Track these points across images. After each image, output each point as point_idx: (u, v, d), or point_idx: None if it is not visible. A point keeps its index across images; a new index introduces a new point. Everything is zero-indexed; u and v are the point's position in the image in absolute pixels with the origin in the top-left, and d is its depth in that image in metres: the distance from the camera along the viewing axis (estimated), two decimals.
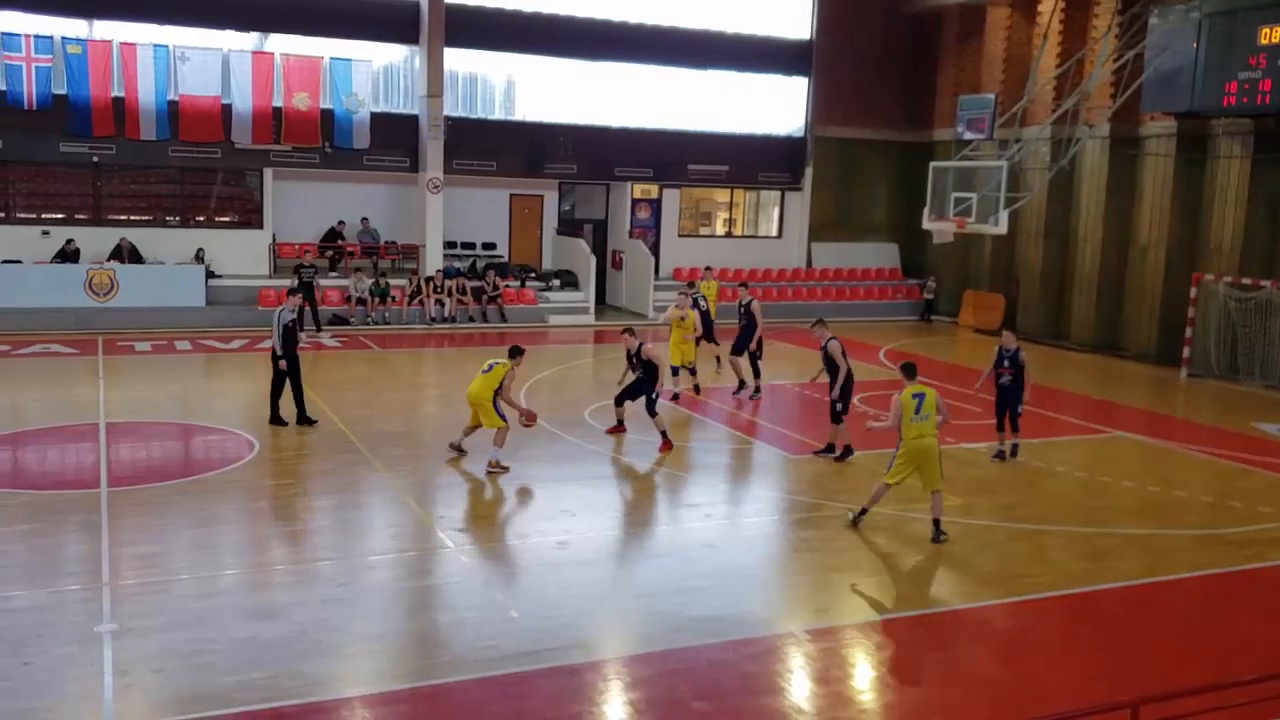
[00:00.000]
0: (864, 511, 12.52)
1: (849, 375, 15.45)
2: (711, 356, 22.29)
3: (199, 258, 27.41)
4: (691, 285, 20.13)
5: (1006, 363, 15.88)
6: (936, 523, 12.29)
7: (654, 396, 15.85)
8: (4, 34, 25.64)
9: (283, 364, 16.47)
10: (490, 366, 14.79)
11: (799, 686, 8.74)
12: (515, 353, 14.96)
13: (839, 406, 15.37)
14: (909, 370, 12.61)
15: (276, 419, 16.65)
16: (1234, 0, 22.87)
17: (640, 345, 16.00)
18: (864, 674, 9.00)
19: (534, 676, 8.58)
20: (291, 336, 16.60)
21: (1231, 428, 19.34)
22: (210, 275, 27.18)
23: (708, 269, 25.59)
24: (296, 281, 25.94)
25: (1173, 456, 17.14)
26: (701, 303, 20.71)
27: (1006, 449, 16.08)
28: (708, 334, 21.28)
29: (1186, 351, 24.65)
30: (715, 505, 13.79)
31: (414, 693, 8.32)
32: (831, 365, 15.51)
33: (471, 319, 28.63)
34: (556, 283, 31.02)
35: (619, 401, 16.38)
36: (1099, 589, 11.02)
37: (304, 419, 16.73)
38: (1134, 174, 27.78)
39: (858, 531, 12.40)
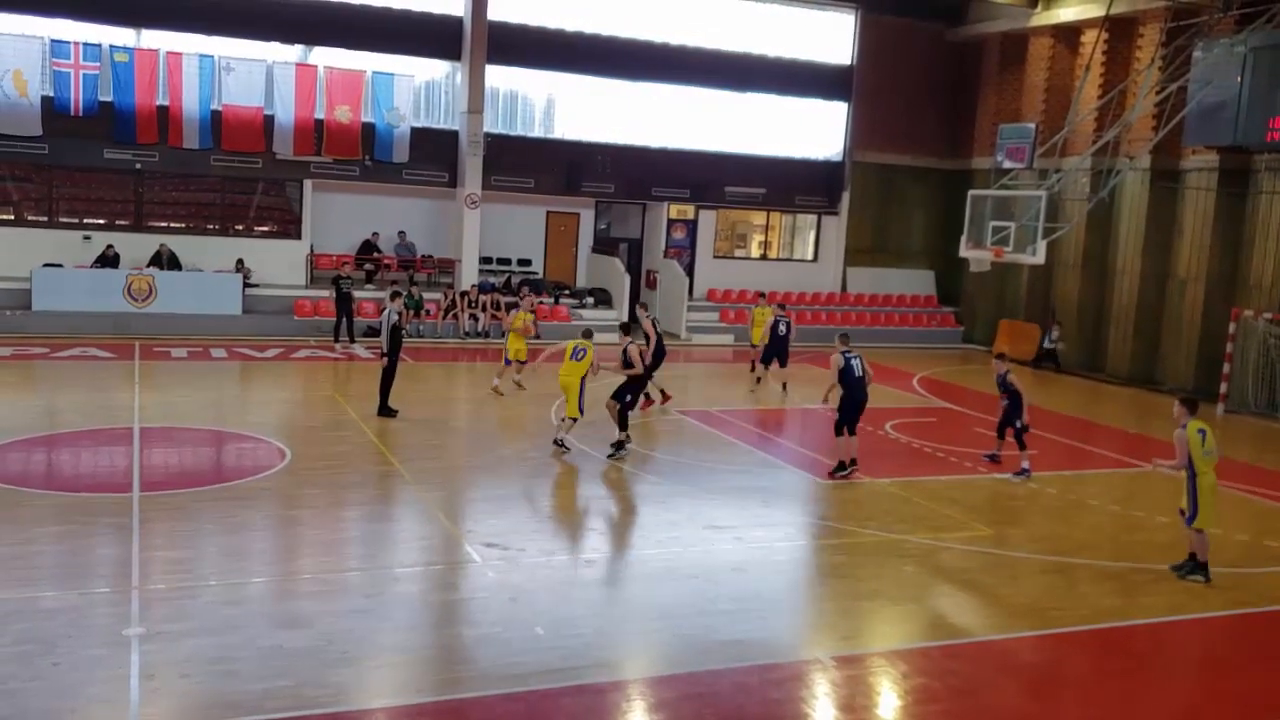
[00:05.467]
0: (1204, 565, 12.23)
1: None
2: (778, 380, 23.24)
3: (239, 267, 27.63)
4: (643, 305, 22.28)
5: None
6: (1204, 565, 12.23)
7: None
8: (54, 41, 26.04)
9: (388, 361, 18.05)
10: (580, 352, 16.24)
11: (824, 714, 8.66)
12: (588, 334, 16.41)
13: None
14: (1192, 405, 12.42)
15: (386, 410, 18.15)
16: None
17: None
18: (889, 703, 8.91)
19: (558, 694, 8.56)
20: (397, 336, 18.25)
21: (1268, 465, 19.11)
22: (248, 284, 27.40)
23: (761, 294, 25.93)
24: (335, 293, 26.13)
25: None
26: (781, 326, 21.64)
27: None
28: (780, 358, 22.73)
29: (1224, 387, 24.40)
30: (744, 528, 13.71)
31: (438, 706, 8.31)
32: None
33: (504, 334, 28.62)
34: (590, 300, 31.07)
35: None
36: (1131, 624, 10.89)
37: (385, 410, 18.19)
38: (1174, 207, 27.59)
39: (887, 558, 12.34)
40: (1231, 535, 14.32)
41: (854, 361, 15.76)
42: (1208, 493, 11.99)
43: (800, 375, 24.46)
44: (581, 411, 16.27)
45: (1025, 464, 16.60)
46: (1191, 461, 11.97)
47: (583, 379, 16.14)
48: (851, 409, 15.77)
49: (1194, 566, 12.25)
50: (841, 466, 15.88)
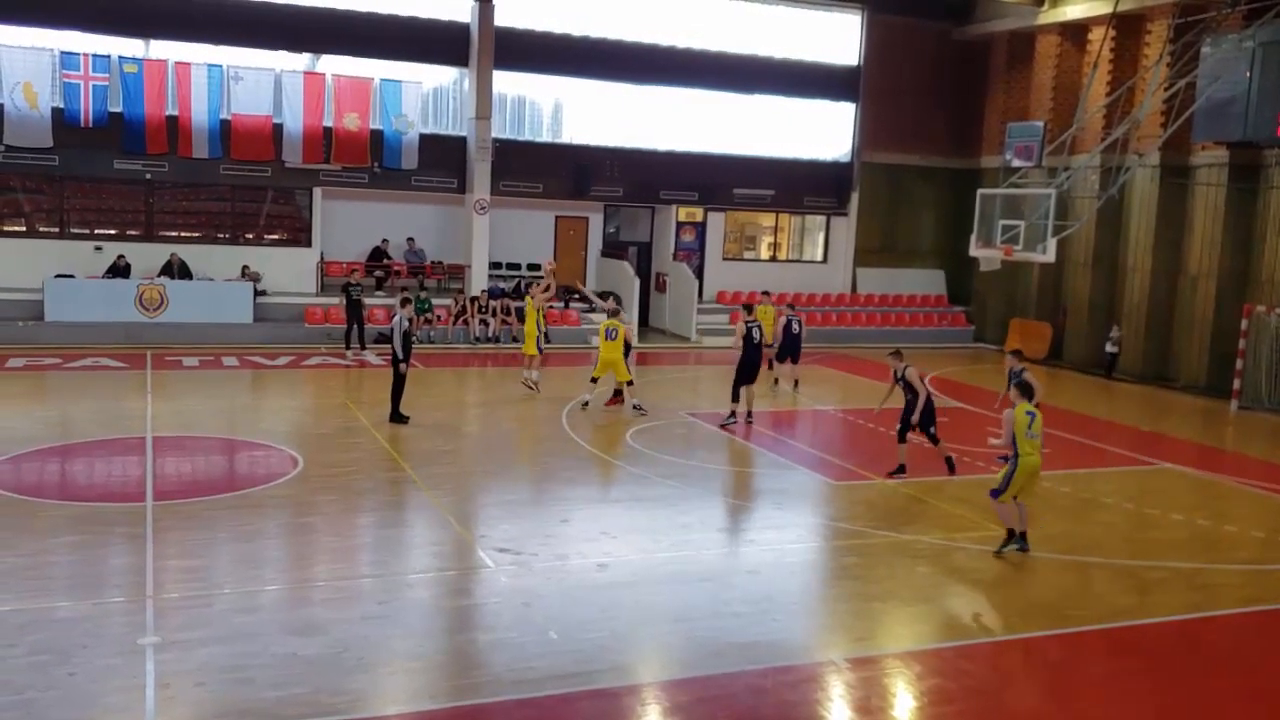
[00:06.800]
0: (1020, 535, 12.61)
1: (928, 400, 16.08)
2: (790, 379, 23.35)
3: (245, 273, 27.67)
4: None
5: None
6: (1015, 534, 12.57)
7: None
8: (63, 53, 26.13)
9: (403, 367, 18.09)
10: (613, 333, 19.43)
11: (839, 715, 8.64)
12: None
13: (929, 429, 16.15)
14: (1026, 390, 12.66)
15: (397, 417, 18.15)
16: None
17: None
18: (905, 704, 8.89)
19: (573, 699, 8.55)
20: (408, 342, 18.14)
21: None
22: (258, 292, 27.45)
23: (765, 293, 25.92)
24: (345, 300, 26.17)
25: (1223, 490, 16.88)
26: (755, 331, 20.30)
27: None
28: (793, 355, 22.86)
29: (1237, 383, 24.31)
30: (757, 530, 13.72)
31: (453, 712, 8.31)
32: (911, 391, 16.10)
33: (515, 339, 28.66)
34: (600, 302, 31.01)
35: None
36: (1147, 623, 10.85)
37: (397, 416, 18.17)
38: (1184, 204, 27.54)
39: (900, 559, 12.33)
40: (1247, 532, 14.29)
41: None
42: (1024, 473, 12.34)
43: (811, 376, 24.44)
44: (630, 378, 19.87)
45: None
46: (1015, 441, 12.31)
47: (625, 351, 19.62)
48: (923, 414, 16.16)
49: (1009, 539, 12.59)
50: (950, 464, 16.27)
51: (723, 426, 19.02)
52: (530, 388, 21.07)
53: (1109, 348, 28.72)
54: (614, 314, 20.41)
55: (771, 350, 23.67)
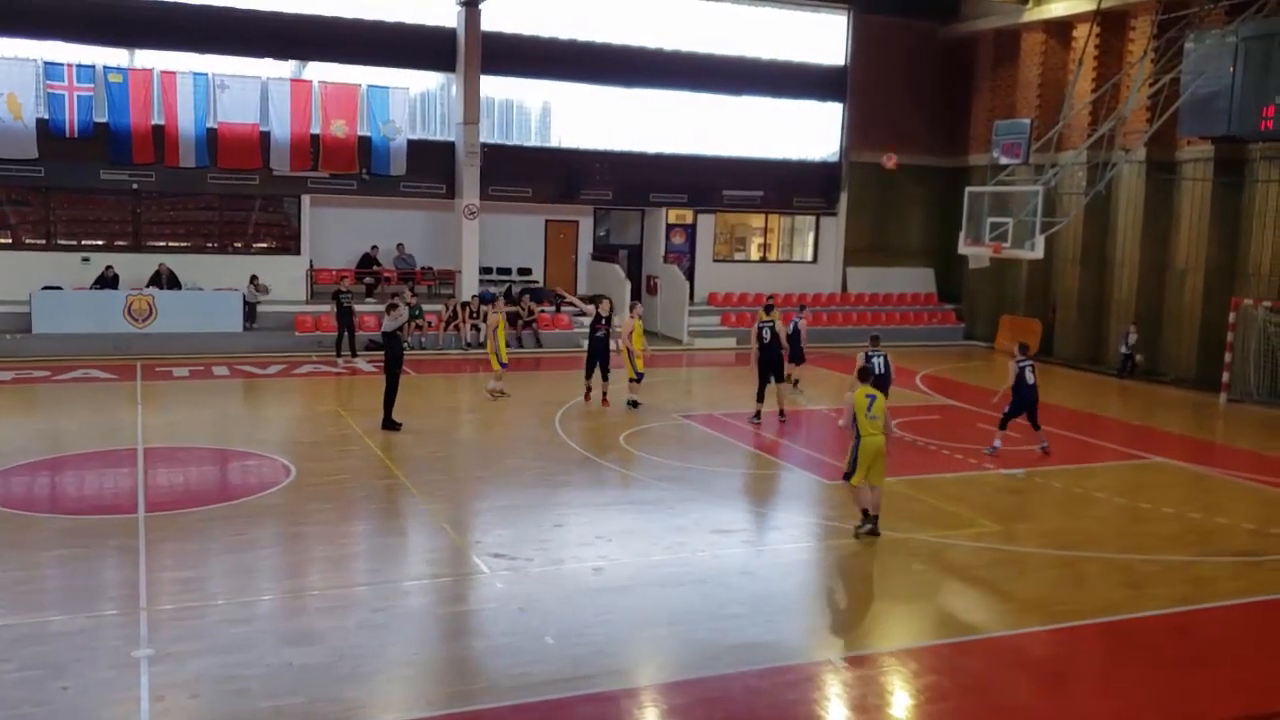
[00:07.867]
0: (873, 518, 12.89)
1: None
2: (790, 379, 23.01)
3: (252, 282, 27.60)
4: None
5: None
6: (874, 517, 12.86)
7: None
8: (47, 64, 26.06)
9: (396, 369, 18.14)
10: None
11: (836, 714, 8.66)
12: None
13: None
14: (864, 375, 13.28)
15: (390, 424, 18.06)
16: (1271, 24, 22.67)
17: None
18: (902, 702, 8.90)
19: (570, 703, 8.55)
20: (398, 346, 18.29)
21: (1273, 453, 19.08)
22: (248, 302, 27.36)
23: (769, 296, 25.99)
24: (335, 307, 26.12)
25: (1213, 483, 16.92)
26: (765, 331, 20.21)
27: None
28: (795, 356, 22.55)
29: (1226, 376, 24.40)
30: (752, 531, 13.73)
31: (450, 718, 8.29)
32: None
33: (506, 344, 28.61)
34: (591, 307, 30.99)
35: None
36: (1140, 616, 10.87)
37: (389, 423, 18.05)
38: (1171, 198, 27.61)
39: (895, 557, 12.35)
40: (1238, 524, 14.33)
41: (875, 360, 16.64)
42: (868, 453, 12.62)
43: (803, 375, 24.44)
44: (638, 373, 20.84)
45: (996, 442, 17.45)
46: (857, 423, 12.69)
47: (629, 348, 20.54)
48: None
49: (864, 520, 12.89)
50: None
51: (751, 423, 19.61)
52: (496, 396, 21.33)
53: (1124, 349, 27.88)
54: (630, 308, 21.78)
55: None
